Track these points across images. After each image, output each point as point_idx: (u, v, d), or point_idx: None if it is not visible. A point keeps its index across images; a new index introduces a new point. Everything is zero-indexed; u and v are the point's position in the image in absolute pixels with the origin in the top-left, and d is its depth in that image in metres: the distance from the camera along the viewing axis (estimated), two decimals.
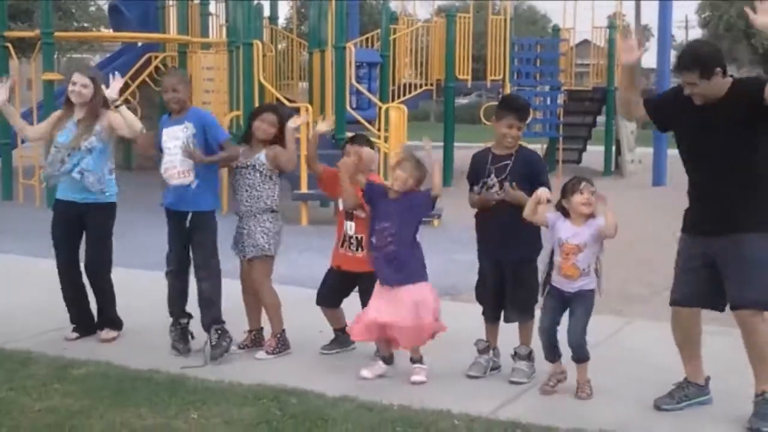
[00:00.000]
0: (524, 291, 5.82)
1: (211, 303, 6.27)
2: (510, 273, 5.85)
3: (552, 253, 5.60)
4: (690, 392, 5.41)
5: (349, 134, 14.10)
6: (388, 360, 5.99)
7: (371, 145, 6.44)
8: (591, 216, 5.48)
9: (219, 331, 6.20)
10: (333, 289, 6.47)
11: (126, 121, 6.36)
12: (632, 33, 5.38)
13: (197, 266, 6.31)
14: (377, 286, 5.91)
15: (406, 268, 5.82)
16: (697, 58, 5.03)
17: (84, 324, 6.74)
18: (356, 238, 6.25)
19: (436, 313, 5.84)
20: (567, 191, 5.51)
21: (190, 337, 6.38)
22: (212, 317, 6.25)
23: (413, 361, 5.90)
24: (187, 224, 6.23)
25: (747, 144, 5.04)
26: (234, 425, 4.90)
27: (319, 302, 6.51)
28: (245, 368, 5.99)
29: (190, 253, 6.35)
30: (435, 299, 5.88)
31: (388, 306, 5.76)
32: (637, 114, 5.49)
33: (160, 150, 6.32)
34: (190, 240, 6.31)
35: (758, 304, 5.04)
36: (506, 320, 5.99)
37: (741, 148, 5.05)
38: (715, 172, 5.15)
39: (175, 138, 6.19)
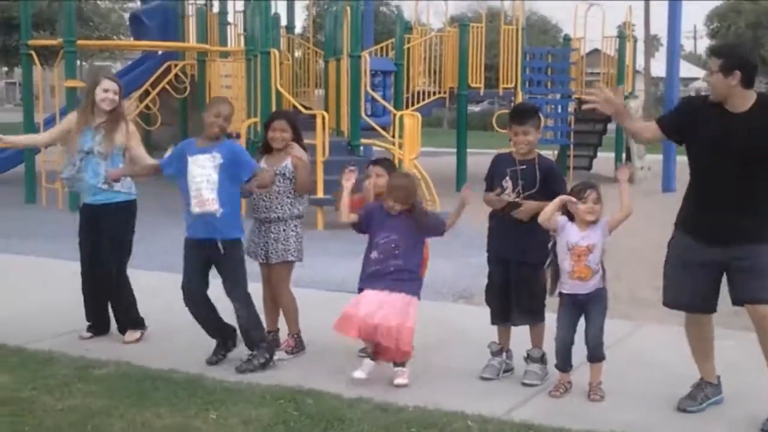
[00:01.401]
0: (530, 294, 5.78)
1: (248, 331, 6.10)
2: (516, 274, 5.82)
3: (553, 259, 5.59)
4: (708, 392, 5.40)
5: (364, 141, 14.22)
6: (374, 356, 5.88)
7: (393, 168, 6.44)
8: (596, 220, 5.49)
9: (257, 350, 6.04)
10: None
11: (141, 164, 6.58)
12: (602, 92, 5.45)
13: (231, 296, 6.10)
14: (369, 292, 5.84)
15: (407, 280, 5.81)
16: (728, 51, 5.08)
17: (99, 324, 6.76)
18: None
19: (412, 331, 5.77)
20: (574, 196, 5.50)
21: (224, 351, 6.22)
22: (252, 342, 6.10)
23: (395, 364, 5.80)
24: (221, 251, 6.01)
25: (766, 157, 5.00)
26: (251, 425, 4.89)
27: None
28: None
29: (208, 279, 6.18)
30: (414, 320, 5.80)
31: (378, 307, 5.71)
32: (647, 137, 5.51)
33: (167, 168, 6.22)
34: (215, 268, 6.11)
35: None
36: (514, 323, 5.97)
37: (761, 160, 5.00)
38: (733, 183, 5.08)
39: (202, 167, 5.96)
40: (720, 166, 5.11)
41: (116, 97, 6.55)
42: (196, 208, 5.98)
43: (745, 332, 5.56)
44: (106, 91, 6.51)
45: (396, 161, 11.45)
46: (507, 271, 5.88)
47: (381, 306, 5.71)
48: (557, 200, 5.52)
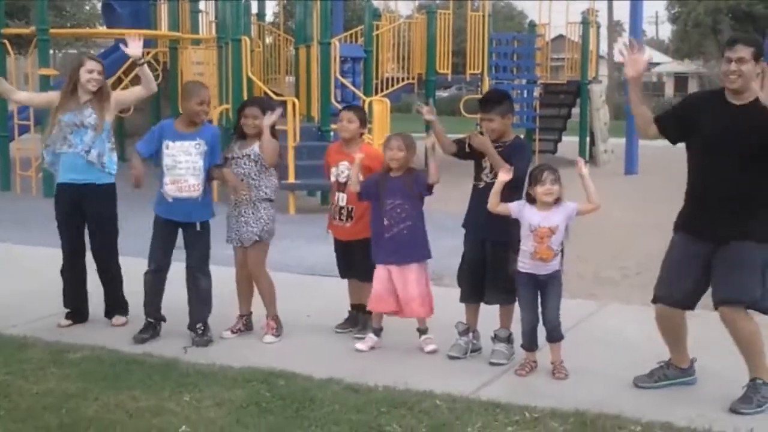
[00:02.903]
0: (505, 274, 5.77)
1: (207, 302, 6.28)
2: (492, 254, 5.82)
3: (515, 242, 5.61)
4: (669, 373, 5.43)
5: (333, 126, 14.16)
6: (378, 332, 6.13)
7: (363, 115, 6.57)
8: (556, 201, 5.49)
9: (203, 327, 6.22)
10: (338, 259, 6.57)
11: (146, 78, 6.53)
12: (635, 46, 5.27)
13: (194, 268, 6.26)
14: (380, 268, 6.03)
15: (419, 243, 6.00)
16: (759, 42, 5.01)
17: (79, 311, 6.68)
18: (347, 209, 6.32)
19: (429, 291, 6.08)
20: (532, 180, 5.52)
21: (153, 332, 6.29)
22: (205, 315, 6.25)
23: (420, 332, 6.07)
24: (198, 230, 6.19)
25: (759, 162, 4.97)
26: (225, 406, 4.87)
27: (340, 274, 6.63)
28: (235, 352, 5.96)
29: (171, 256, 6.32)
30: (427, 279, 6.09)
31: (389, 285, 6.01)
32: (653, 131, 5.33)
33: (150, 156, 6.26)
34: (185, 245, 6.26)
35: (733, 302, 5.02)
36: (487, 302, 5.97)
37: (760, 157, 4.97)
38: (730, 180, 5.04)
39: (188, 153, 6.12)
40: (719, 161, 5.06)
41: (101, 77, 6.50)
42: (176, 193, 6.11)
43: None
44: (90, 71, 6.45)
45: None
46: (483, 250, 5.89)
47: (404, 284, 5.98)
48: (497, 185, 5.56)
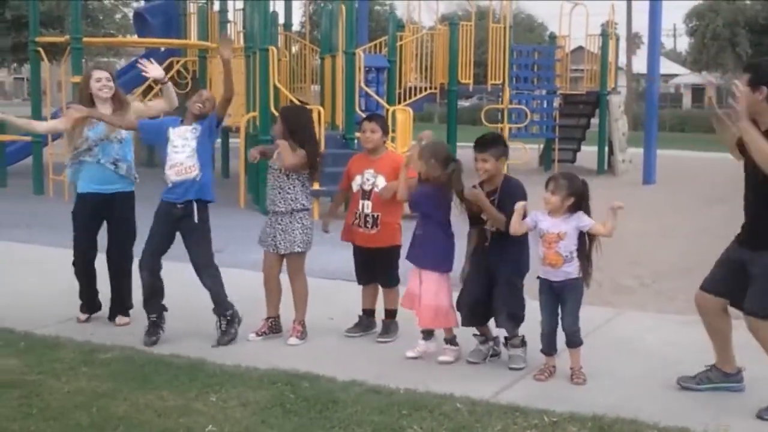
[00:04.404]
0: (517, 301, 5.77)
1: (219, 293, 6.30)
2: (505, 284, 5.76)
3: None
4: (713, 376, 5.40)
5: (357, 134, 14.18)
6: (428, 336, 6.08)
7: (385, 123, 6.58)
8: (570, 210, 5.48)
9: (228, 318, 6.26)
10: (359, 266, 6.56)
11: (169, 95, 6.63)
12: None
13: (197, 265, 6.29)
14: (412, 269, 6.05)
15: (435, 253, 5.92)
16: (755, 66, 5.00)
17: (93, 304, 6.83)
18: (372, 216, 6.32)
19: (452, 305, 5.97)
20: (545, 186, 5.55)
21: (160, 330, 6.31)
22: (223, 304, 6.29)
23: (445, 341, 6.01)
24: (194, 216, 6.21)
25: None
26: (250, 407, 4.89)
27: (357, 281, 6.63)
28: (260, 353, 5.98)
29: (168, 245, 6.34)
30: (447, 294, 5.95)
31: (418, 283, 5.97)
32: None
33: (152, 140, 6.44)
34: (182, 230, 6.27)
35: (758, 315, 5.04)
36: (498, 326, 5.92)
37: None
38: (756, 192, 5.08)
39: (183, 138, 6.22)
40: (748, 173, 5.10)
41: (111, 83, 6.57)
42: (174, 177, 6.19)
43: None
44: (98, 80, 6.54)
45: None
46: (494, 282, 5.80)
47: (422, 288, 5.92)
48: (518, 207, 5.55)
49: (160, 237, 6.27)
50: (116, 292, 6.79)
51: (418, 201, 6.02)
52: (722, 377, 5.39)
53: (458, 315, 5.95)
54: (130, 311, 6.81)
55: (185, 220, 6.23)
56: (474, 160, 5.83)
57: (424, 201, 5.97)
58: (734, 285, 5.18)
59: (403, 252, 6.25)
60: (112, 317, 6.78)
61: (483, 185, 5.79)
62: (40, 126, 7.15)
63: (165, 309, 6.36)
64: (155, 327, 6.28)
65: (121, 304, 6.79)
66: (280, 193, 6.29)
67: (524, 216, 5.60)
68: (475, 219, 5.86)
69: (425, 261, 5.95)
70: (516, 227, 5.59)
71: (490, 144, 5.84)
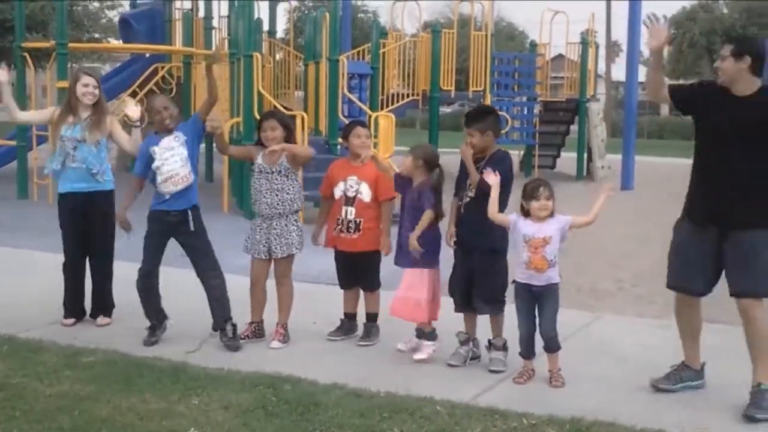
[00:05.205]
0: (491, 282, 5.78)
1: (224, 299, 6.27)
2: (480, 264, 5.81)
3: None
4: (685, 375, 5.45)
5: (341, 140, 14.18)
6: (420, 334, 6.12)
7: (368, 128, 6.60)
8: (550, 214, 5.50)
9: (234, 324, 6.24)
10: (341, 270, 6.54)
11: (135, 138, 6.58)
12: (659, 20, 5.29)
13: (203, 271, 6.26)
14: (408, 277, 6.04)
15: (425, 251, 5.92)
16: (740, 38, 5.18)
17: (79, 309, 6.79)
18: (355, 221, 6.30)
19: (432, 300, 6.01)
20: (527, 195, 5.52)
21: (160, 332, 6.32)
22: (226, 310, 6.26)
23: (425, 335, 6.05)
24: (190, 224, 6.19)
25: (760, 149, 5.03)
26: (232, 410, 4.87)
27: (339, 285, 6.61)
28: (243, 357, 5.96)
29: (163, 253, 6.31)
30: (431, 288, 5.97)
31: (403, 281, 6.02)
32: (663, 95, 5.38)
33: (144, 173, 6.28)
34: (180, 239, 6.25)
35: (748, 294, 5.05)
36: (476, 311, 5.97)
37: (762, 148, 5.02)
38: (734, 168, 5.08)
39: (171, 149, 6.15)
40: (724, 148, 5.12)
41: (96, 91, 6.59)
42: (172, 187, 6.14)
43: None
44: (86, 85, 6.55)
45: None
46: (471, 260, 5.88)
47: (403, 280, 5.99)
48: (492, 192, 5.55)
49: (156, 250, 6.22)
50: (98, 292, 6.78)
51: (408, 200, 6.04)
52: (693, 375, 5.44)
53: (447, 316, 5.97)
54: (113, 312, 6.80)
55: (181, 229, 6.20)
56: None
57: (411, 202, 6.00)
58: (704, 275, 5.22)
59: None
60: (93, 317, 6.78)
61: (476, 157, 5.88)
62: (21, 115, 7.09)
63: (166, 316, 6.35)
64: (154, 330, 6.28)
65: (103, 304, 6.78)
66: (278, 195, 6.25)
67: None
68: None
69: (406, 260, 5.98)
70: (494, 211, 5.56)
71: (474, 119, 5.90)
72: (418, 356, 5.97)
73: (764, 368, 5.07)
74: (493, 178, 5.57)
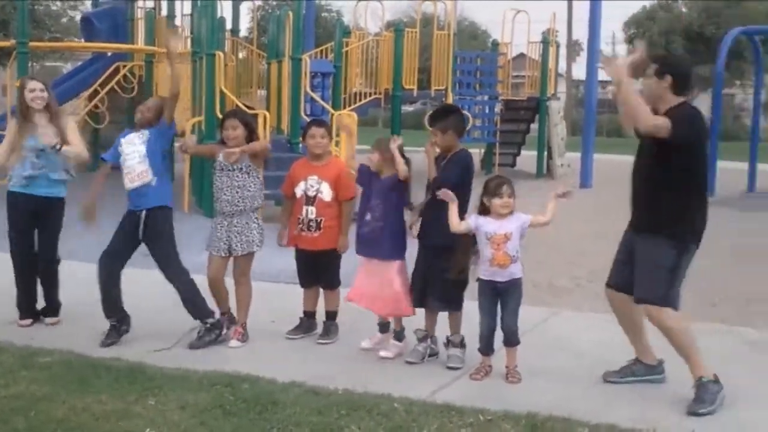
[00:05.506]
0: (447, 280, 5.76)
1: (194, 301, 6.20)
2: (435, 260, 5.82)
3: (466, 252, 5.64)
4: (637, 370, 5.52)
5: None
6: (384, 328, 6.19)
7: (330, 129, 6.60)
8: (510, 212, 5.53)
9: (208, 325, 6.18)
10: (302, 268, 6.51)
11: (71, 155, 6.48)
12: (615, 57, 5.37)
13: (166, 272, 6.20)
14: (361, 260, 6.08)
15: (392, 243, 5.97)
16: (664, 58, 5.28)
17: (33, 308, 6.73)
18: (316, 221, 6.27)
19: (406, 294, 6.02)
20: (489, 191, 5.54)
21: (118, 334, 6.22)
22: (200, 312, 6.20)
23: (395, 333, 6.10)
24: (142, 223, 6.12)
25: (662, 160, 5.10)
26: (189, 410, 4.82)
27: (300, 283, 6.57)
28: (201, 356, 5.91)
29: (129, 256, 6.25)
30: (404, 281, 6.01)
31: (371, 279, 6.02)
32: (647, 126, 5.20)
33: (112, 159, 6.30)
34: (145, 239, 6.18)
35: (645, 300, 5.18)
36: (429, 309, 5.97)
37: (657, 163, 5.13)
38: (640, 180, 5.28)
39: (132, 144, 6.19)
40: (636, 161, 5.32)
41: (44, 94, 6.50)
42: (129, 184, 6.15)
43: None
44: (32, 91, 6.48)
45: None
46: (429, 257, 5.88)
47: (378, 280, 6.00)
48: (450, 210, 5.59)
49: (119, 241, 6.18)
50: (45, 292, 6.73)
51: (377, 193, 6.05)
52: (645, 370, 5.51)
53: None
54: (60, 311, 6.78)
55: (147, 229, 6.14)
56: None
57: (383, 194, 6.02)
58: (629, 274, 5.33)
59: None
60: (43, 316, 6.72)
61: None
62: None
63: (125, 314, 6.26)
64: (114, 330, 6.20)
65: (50, 304, 6.74)
66: (239, 192, 6.21)
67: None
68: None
69: (383, 253, 6.01)
70: (455, 224, 5.59)
71: (436, 118, 5.96)
72: (384, 353, 5.97)
73: (695, 364, 5.15)
74: (447, 197, 5.59)
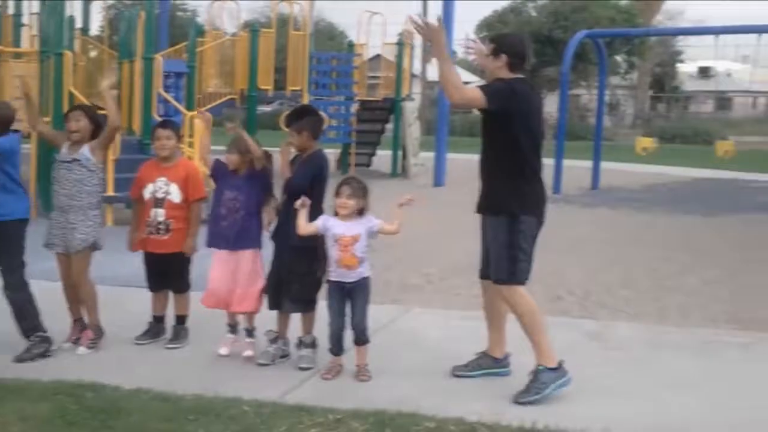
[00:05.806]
0: (298, 282, 5.76)
1: (24, 315, 5.91)
2: (288, 261, 5.80)
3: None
4: (483, 363, 5.62)
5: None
6: (234, 329, 6.12)
7: (178, 129, 6.47)
8: (358, 213, 5.53)
9: (36, 339, 5.89)
10: (151, 272, 6.36)
11: None
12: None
13: (4, 280, 5.88)
14: (217, 254, 5.98)
15: (248, 234, 5.92)
16: (499, 38, 5.45)
17: None
18: (165, 223, 6.15)
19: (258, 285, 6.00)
20: (335, 191, 5.56)
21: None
22: (28, 327, 5.90)
23: (247, 332, 6.05)
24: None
25: (491, 139, 5.34)
26: (29, 421, 4.62)
27: (149, 287, 6.42)
28: (44, 366, 5.68)
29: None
30: (258, 271, 6.01)
31: (226, 272, 5.93)
32: (463, 96, 5.30)
33: None
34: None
35: (498, 280, 5.32)
36: (284, 310, 5.94)
37: (489, 145, 5.36)
38: (480, 164, 5.45)
39: None
40: (482, 140, 5.45)
41: None
42: None
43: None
44: None
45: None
46: (283, 258, 5.84)
47: (233, 275, 5.94)
48: (298, 205, 5.57)
49: None
50: None
51: (235, 188, 5.98)
52: (492, 363, 5.63)
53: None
54: None
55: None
56: None
57: (241, 189, 5.96)
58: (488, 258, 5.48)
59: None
60: None
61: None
62: None
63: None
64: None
65: None
66: (76, 186, 5.99)
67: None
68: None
69: (242, 244, 5.96)
70: (302, 226, 5.58)
71: (291, 119, 5.95)
72: (247, 353, 5.93)
73: (540, 351, 5.28)
74: (299, 203, 5.57)
